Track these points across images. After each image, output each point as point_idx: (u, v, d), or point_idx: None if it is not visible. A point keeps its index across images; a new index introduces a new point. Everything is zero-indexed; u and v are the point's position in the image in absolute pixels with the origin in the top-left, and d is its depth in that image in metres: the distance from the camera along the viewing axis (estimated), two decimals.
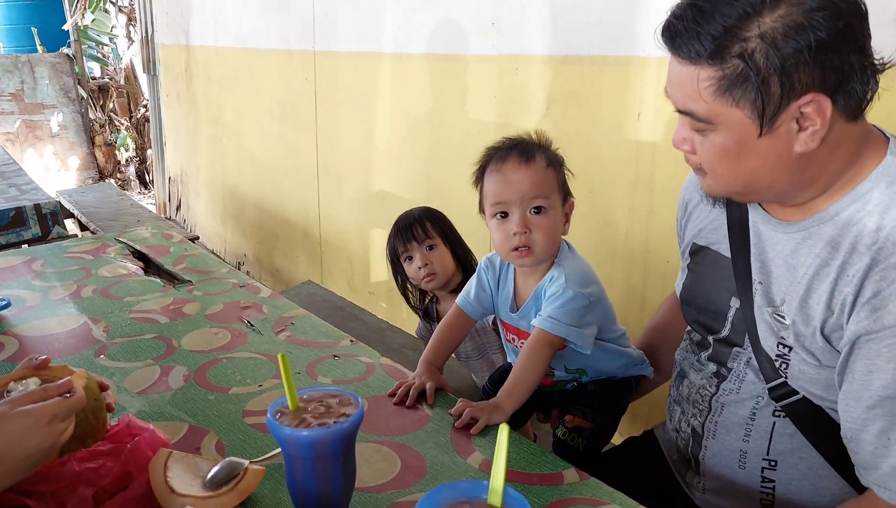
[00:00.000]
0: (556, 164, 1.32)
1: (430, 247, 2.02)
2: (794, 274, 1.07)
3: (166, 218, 5.68)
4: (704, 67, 0.97)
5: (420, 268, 2.00)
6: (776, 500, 1.17)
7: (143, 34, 5.84)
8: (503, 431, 0.73)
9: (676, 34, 0.99)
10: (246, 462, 1.07)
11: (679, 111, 1.05)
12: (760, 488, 1.17)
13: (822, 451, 1.11)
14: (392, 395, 1.32)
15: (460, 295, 1.46)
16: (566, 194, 1.35)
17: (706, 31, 0.95)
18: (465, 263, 2.06)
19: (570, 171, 1.37)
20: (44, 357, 1.13)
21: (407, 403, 1.30)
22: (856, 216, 1.01)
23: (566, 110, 2.35)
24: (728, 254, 1.18)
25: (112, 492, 1.02)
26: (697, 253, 1.26)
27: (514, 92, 2.55)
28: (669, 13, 1.01)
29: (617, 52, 2.16)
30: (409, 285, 2.10)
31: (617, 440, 1.99)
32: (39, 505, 0.98)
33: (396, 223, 2.09)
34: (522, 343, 1.40)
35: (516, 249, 1.30)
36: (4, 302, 1.75)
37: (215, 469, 1.06)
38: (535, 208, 1.29)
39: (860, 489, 1.06)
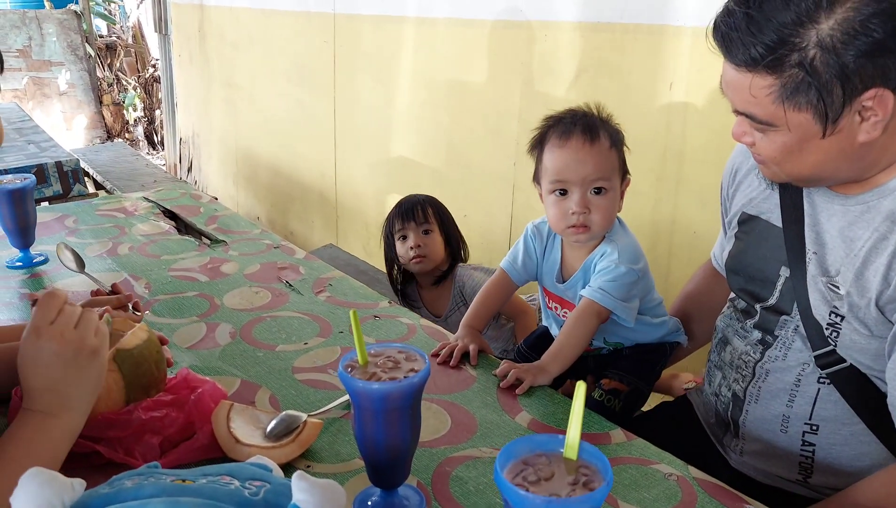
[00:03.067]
0: (618, 143, 1.32)
1: (427, 231, 2.09)
2: (850, 246, 1.09)
3: (179, 180, 5.67)
4: (762, 74, 0.98)
5: (412, 248, 2.05)
6: (815, 463, 1.20)
7: None
8: (580, 388, 0.74)
9: (730, 41, 0.99)
10: (304, 416, 1.10)
11: (737, 112, 1.06)
12: (800, 451, 1.20)
13: (865, 418, 1.14)
14: (436, 355, 1.35)
15: (505, 259, 1.47)
16: (624, 172, 1.36)
17: (760, 40, 0.96)
18: (455, 254, 2.15)
19: (628, 147, 1.37)
20: (105, 307, 1.14)
21: (451, 363, 1.33)
22: None
23: (596, 79, 2.35)
24: (779, 224, 1.19)
25: (177, 441, 1.05)
26: (747, 222, 1.27)
27: (541, 59, 2.54)
28: (720, 14, 1.01)
29: (650, 21, 2.16)
30: (396, 264, 2.15)
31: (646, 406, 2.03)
32: (108, 451, 1.01)
33: (399, 203, 2.17)
34: (565, 312, 1.43)
35: (573, 226, 1.32)
36: (42, 258, 1.77)
37: (275, 421, 1.09)
38: (595, 189, 1.30)
39: None
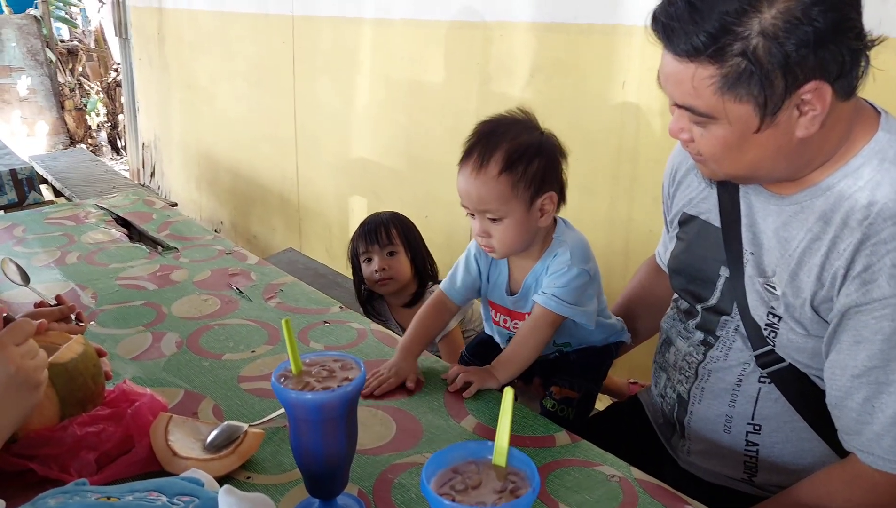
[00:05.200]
0: (513, 165, 1.22)
1: (391, 253, 2.05)
2: (785, 247, 1.10)
3: (141, 185, 5.61)
4: (704, 64, 0.96)
5: (376, 271, 2.02)
6: (759, 462, 1.21)
7: None
8: (508, 394, 0.74)
9: (672, 32, 0.97)
10: (245, 426, 1.09)
11: (676, 105, 1.04)
12: (744, 451, 1.21)
13: (806, 416, 1.15)
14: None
15: (444, 282, 1.43)
16: (539, 188, 1.25)
17: (703, 28, 0.94)
18: (422, 274, 2.09)
19: (562, 153, 1.30)
20: (41, 322, 1.12)
21: (376, 394, 1.26)
22: (847, 191, 1.03)
23: (551, 78, 2.36)
24: (718, 224, 1.20)
25: (114, 456, 1.04)
26: (686, 222, 1.28)
27: (497, 59, 2.54)
28: (659, 5, 0.99)
29: (603, 21, 2.16)
30: (363, 285, 2.12)
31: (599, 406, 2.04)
32: (43, 469, 0.99)
33: (363, 224, 2.12)
34: (515, 324, 1.40)
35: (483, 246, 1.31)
36: None
37: (215, 432, 1.07)
38: (489, 217, 1.26)
39: (841, 452, 1.10)
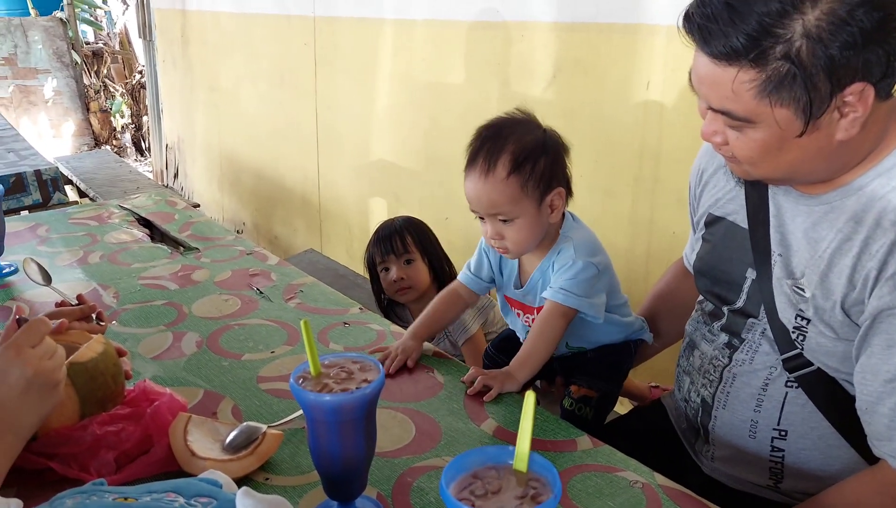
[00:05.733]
0: (521, 166, 1.24)
1: (408, 261, 2.02)
2: (815, 248, 1.07)
3: (164, 186, 5.65)
4: (745, 68, 0.93)
5: (394, 282, 2.00)
6: (785, 469, 1.18)
7: None
8: (530, 398, 0.73)
9: (708, 33, 0.94)
10: (264, 427, 1.08)
11: (712, 109, 1.01)
12: (770, 457, 1.19)
13: (834, 421, 1.12)
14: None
15: (462, 271, 1.45)
16: (547, 185, 1.27)
17: (742, 30, 0.91)
18: (441, 278, 2.06)
19: (565, 148, 1.30)
20: (61, 321, 1.13)
21: (390, 371, 1.31)
22: (880, 191, 1.01)
23: (572, 79, 2.34)
24: (745, 225, 1.17)
25: (133, 456, 1.04)
26: (713, 223, 1.26)
27: (518, 60, 2.53)
28: (693, 4, 0.96)
29: (625, 20, 2.14)
30: (382, 294, 2.11)
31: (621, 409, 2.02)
32: (62, 467, 0.99)
33: (377, 232, 2.10)
34: (528, 318, 1.41)
35: (496, 247, 1.32)
36: (12, 268, 1.75)
37: (234, 433, 1.07)
38: (500, 219, 1.27)
39: (870, 459, 1.07)
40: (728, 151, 1.06)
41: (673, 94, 2.07)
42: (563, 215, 1.34)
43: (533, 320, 1.38)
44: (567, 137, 1.32)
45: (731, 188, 1.22)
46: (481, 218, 1.29)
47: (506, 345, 1.51)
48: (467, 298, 1.45)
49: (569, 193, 1.32)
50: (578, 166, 1.36)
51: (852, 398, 1.07)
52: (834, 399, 1.11)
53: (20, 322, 1.07)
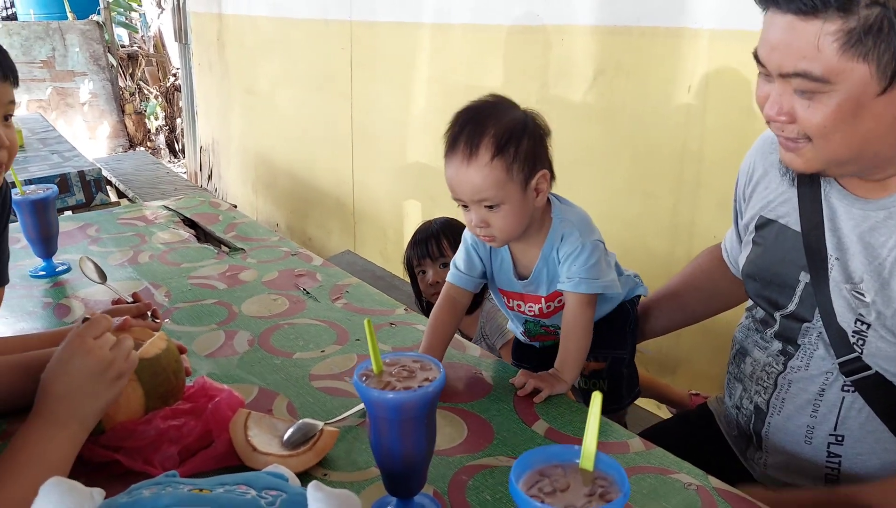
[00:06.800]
0: (504, 148, 1.19)
1: (445, 264, 2.03)
2: (873, 253, 1.06)
3: (199, 187, 5.72)
4: (832, 18, 0.89)
5: (431, 285, 2.02)
6: (841, 474, 1.17)
7: (175, 2, 5.84)
8: (596, 398, 0.74)
9: None
10: (321, 424, 1.10)
11: (783, 75, 0.97)
12: (826, 462, 1.18)
13: (892, 427, 1.11)
14: None
15: (450, 272, 1.39)
16: (532, 168, 1.22)
17: None
18: None
19: (547, 131, 1.26)
20: (125, 318, 1.16)
21: None
22: None
23: (613, 82, 2.34)
24: (797, 228, 1.17)
25: (195, 450, 1.06)
26: (764, 226, 1.25)
27: (558, 63, 2.53)
28: None
29: (667, 24, 2.14)
30: (422, 296, 2.13)
31: (665, 412, 2.01)
32: (128, 460, 1.02)
33: (415, 235, 2.11)
34: (530, 307, 1.38)
35: (481, 236, 1.27)
36: (65, 267, 1.79)
37: (291, 429, 1.09)
38: (486, 205, 1.22)
39: None
40: (794, 130, 1.00)
41: (716, 97, 2.07)
42: (549, 199, 1.30)
43: (540, 308, 1.36)
44: (607, 139, 1.31)
45: (784, 190, 1.21)
46: (464, 206, 1.25)
47: (519, 353, 1.53)
48: (462, 299, 1.38)
49: (552, 176, 1.27)
50: (618, 167, 1.34)
51: None
52: (892, 404, 1.10)
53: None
